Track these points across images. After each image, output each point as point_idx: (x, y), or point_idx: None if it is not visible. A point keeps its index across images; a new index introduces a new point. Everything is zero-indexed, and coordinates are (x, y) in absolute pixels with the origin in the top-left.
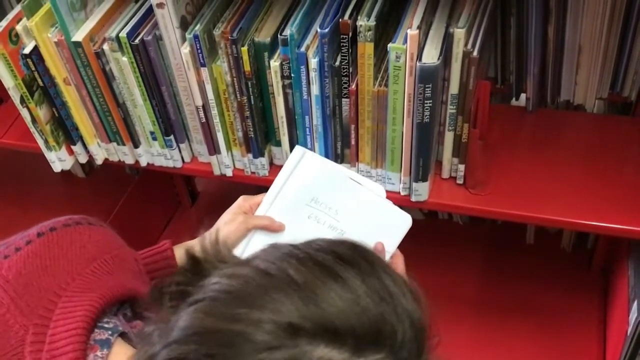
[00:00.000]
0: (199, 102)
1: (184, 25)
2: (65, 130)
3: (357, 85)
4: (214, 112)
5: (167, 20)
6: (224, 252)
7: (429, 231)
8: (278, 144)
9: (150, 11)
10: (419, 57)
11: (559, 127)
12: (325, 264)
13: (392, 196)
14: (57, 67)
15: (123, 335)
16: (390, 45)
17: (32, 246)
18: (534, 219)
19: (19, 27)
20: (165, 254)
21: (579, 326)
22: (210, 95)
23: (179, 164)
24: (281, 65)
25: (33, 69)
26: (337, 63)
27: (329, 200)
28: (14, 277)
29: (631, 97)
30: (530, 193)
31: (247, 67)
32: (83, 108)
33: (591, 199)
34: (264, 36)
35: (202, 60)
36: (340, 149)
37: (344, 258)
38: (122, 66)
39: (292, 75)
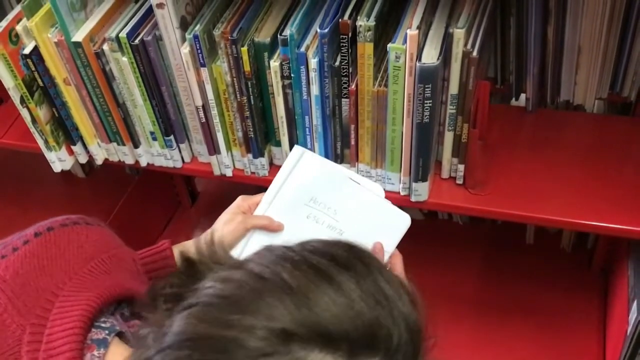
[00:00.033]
0: (199, 102)
1: (184, 25)
2: (65, 131)
3: (356, 86)
4: (214, 112)
5: (167, 20)
6: (220, 253)
7: (428, 231)
8: (278, 144)
9: (150, 11)
10: (419, 57)
11: (558, 127)
12: (320, 267)
13: (392, 196)
14: (57, 68)
15: (120, 335)
16: (389, 45)
17: (29, 246)
18: (533, 219)
19: (19, 28)
20: (164, 254)
21: (579, 326)
22: (210, 95)
23: (179, 164)
24: (281, 65)
25: (33, 69)
26: (337, 63)
27: (328, 200)
28: (12, 277)
29: (631, 97)
30: (530, 193)
31: (247, 67)
32: (83, 108)
33: (591, 199)
34: (263, 36)
35: (202, 61)
36: (340, 149)
37: (339, 260)
38: (122, 66)
39: (292, 75)
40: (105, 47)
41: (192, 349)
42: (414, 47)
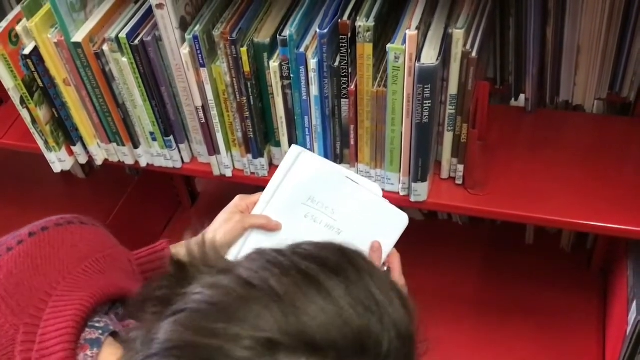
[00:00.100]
0: (199, 103)
1: (184, 25)
2: (65, 131)
3: (356, 86)
4: (214, 112)
5: (167, 21)
6: (211, 254)
7: (428, 231)
8: (277, 144)
9: (149, 12)
10: (418, 58)
11: (558, 127)
12: (309, 272)
13: (392, 196)
14: (57, 68)
15: (114, 335)
16: (389, 45)
17: (23, 246)
18: (533, 219)
19: (18, 28)
20: (161, 254)
21: (579, 326)
22: (210, 95)
23: (178, 165)
24: (280, 65)
25: (33, 69)
26: (337, 64)
27: (326, 199)
28: (5, 277)
29: (630, 97)
30: (529, 193)
31: (246, 68)
32: (83, 109)
33: (590, 199)
34: (263, 37)
35: (201, 61)
36: (339, 149)
37: (329, 265)
38: (122, 67)
39: (292, 75)
40: (105, 47)
41: (178, 357)
42: (413, 47)
